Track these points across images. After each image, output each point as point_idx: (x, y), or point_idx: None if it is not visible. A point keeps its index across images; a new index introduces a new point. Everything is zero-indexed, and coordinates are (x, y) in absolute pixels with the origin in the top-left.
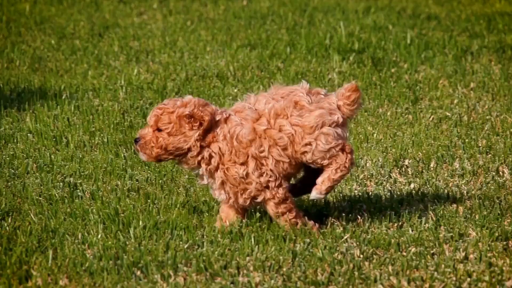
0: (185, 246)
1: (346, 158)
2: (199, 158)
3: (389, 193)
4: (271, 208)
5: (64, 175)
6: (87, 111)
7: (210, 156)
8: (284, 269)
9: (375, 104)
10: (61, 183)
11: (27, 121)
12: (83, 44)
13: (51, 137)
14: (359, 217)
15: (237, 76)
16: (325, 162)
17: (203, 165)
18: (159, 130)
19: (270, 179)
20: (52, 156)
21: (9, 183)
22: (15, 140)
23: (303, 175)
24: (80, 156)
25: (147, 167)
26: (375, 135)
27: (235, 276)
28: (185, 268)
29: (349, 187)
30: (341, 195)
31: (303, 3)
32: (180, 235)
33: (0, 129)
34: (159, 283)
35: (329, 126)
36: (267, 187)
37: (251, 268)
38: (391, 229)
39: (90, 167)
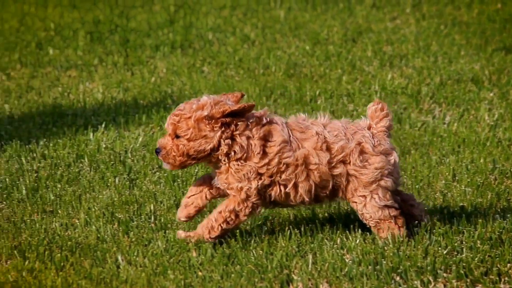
0: (444, 252)
1: (398, 229)
2: (228, 153)
3: None
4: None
5: None
6: (343, 116)
7: (240, 149)
8: None
9: None
10: None
11: None
12: (337, 49)
13: None
14: None
15: (492, 80)
16: (372, 224)
17: (226, 160)
18: (178, 137)
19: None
20: None
21: None
22: None
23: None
24: None
25: None
26: None
27: (496, 283)
28: (444, 275)
29: None
30: None
31: None
32: (438, 240)
33: None
34: None
35: (388, 175)
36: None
37: None
38: None
39: None
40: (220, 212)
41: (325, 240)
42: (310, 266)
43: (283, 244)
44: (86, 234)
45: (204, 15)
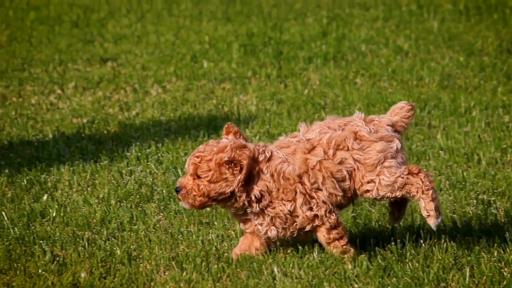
0: None
1: (419, 180)
2: (246, 199)
3: None
4: (322, 234)
5: (477, 192)
6: (498, 127)
7: (260, 195)
8: None
9: None
10: (474, 200)
11: (438, 138)
12: (492, 60)
13: (463, 154)
14: None
15: None
16: (398, 194)
17: (254, 204)
18: (198, 177)
19: (320, 210)
20: (464, 173)
21: None
22: (427, 157)
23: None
24: (493, 173)
25: None
26: None
27: None
28: None
29: None
30: None
31: None
32: None
33: (412, 146)
34: None
35: (391, 158)
36: (316, 216)
37: None
38: None
39: (503, 185)
40: (328, 244)
41: (482, 253)
42: (467, 279)
43: (440, 257)
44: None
45: (357, 27)
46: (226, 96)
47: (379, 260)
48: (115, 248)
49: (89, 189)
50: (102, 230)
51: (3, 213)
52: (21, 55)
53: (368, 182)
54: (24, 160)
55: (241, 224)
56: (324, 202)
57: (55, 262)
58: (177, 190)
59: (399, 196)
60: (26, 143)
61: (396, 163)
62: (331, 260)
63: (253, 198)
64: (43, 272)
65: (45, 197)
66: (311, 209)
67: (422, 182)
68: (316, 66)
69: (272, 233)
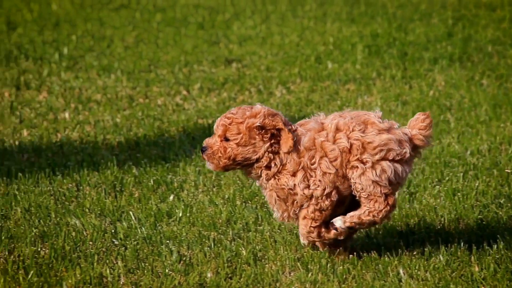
0: None
1: (383, 208)
2: (265, 168)
3: None
4: (306, 210)
5: None
6: None
7: (275, 164)
8: None
9: None
10: None
11: None
12: None
13: None
14: None
15: None
16: (364, 195)
17: (263, 173)
18: (226, 139)
19: (318, 188)
20: None
21: None
22: None
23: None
24: None
25: None
26: None
27: None
28: None
29: None
30: None
31: None
32: None
33: None
34: None
35: (393, 159)
36: (312, 196)
37: None
38: None
39: None
40: (303, 218)
41: None
42: None
43: None
44: (368, 247)
45: (483, 28)
46: (350, 97)
47: (507, 263)
48: (241, 249)
49: (214, 189)
50: (227, 231)
51: (130, 213)
52: (148, 57)
53: (363, 162)
54: (150, 160)
55: None
56: (320, 181)
57: (182, 262)
58: (203, 150)
59: (360, 198)
60: (152, 144)
61: (392, 170)
62: (457, 263)
63: (269, 167)
64: (170, 272)
65: (171, 198)
66: (308, 186)
67: (380, 210)
68: (441, 67)
69: (276, 214)
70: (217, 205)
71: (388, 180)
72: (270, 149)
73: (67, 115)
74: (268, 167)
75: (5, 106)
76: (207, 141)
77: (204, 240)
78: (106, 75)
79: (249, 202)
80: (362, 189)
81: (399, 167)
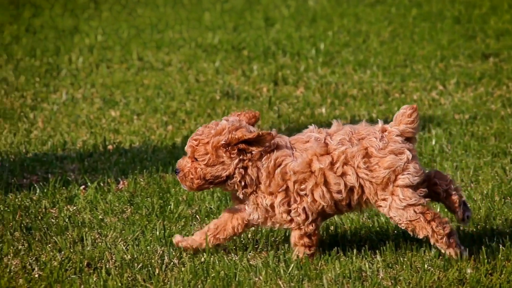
0: None
1: (431, 228)
2: (240, 183)
3: None
4: (294, 235)
5: None
6: None
7: (250, 180)
8: None
9: None
10: None
11: None
12: None
13: None
14: None
15: None
16: (404, 225)
17: (239, 189)
18: (196, 160)
19: (299, 217)
20: None
21: None
22: None
23: None
24: None
25: None
26: None
27: None
28: None
29: None
30: None
31: None
32: None
33: None
34: None
35: (402, 170)
36: (292, 221)
37: None
38: None
39: None
40: (295, 245)
41: None
42: None
43: None
44: None
45: None
46: None
47: None
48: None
49: (472, 185)
50: (486, 227)
51: None
52: (404, 52)
53: (383, 200)
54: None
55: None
56: (304, 209)
57: (440, 258)
58: (176, 172)
59: (404, 227)
60: None
61: (411, 182)
62: None
63: (243, 183)
64: (429, 267)
65: None
66: (289, 211)
67: (433, 231)
68: None
69: (255, 216)
70: (475, 201)
71: (411, 192)
72: (240, 165)
73: (323, 110)
74: (244, 184)
75: (263, 101)
76: (179, 163)
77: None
78: (361, 70)
79: (508, 198)
80: (400, 219)
81: (412, 166)
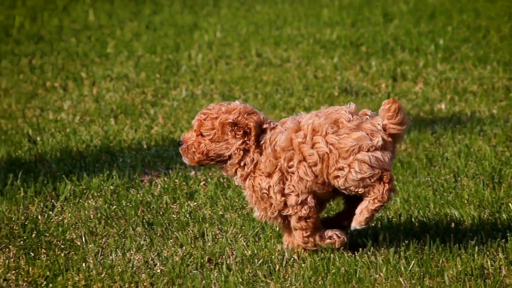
0: None
1: (383, 189)
2: (238, 165)
3: None
4: (292, 219)
5: None
6: None
7: (247, 163)
8: None
9: None
10: None
11: None
12: None
13: None
14: None
15: None
16: (360, 190)
17: (238, 172)
18: (202, 135)
19: (292, 194)
20: None
21: None
22: None
23: (343, 209)
24: None
25: None
26: None
27: None
28: None
29: None
30: None
31: None
32: None
33: None
34: None
35: (367, 151)
36: (286, 205)
37: None
38: None
39: None
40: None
41: None
42: None
43: None
44: None
45: None
46: None
47: None
48: None
49: None
50: None
51: (510, 204)
52: None
53: (339, 169)
54: None
55: None
56: (294, 186)
57: None
58: (179, 144)
59: (360, 193)
60: None
61: (371, 159)
62: None
63: (242, 163)
64: None
65: None
66: (282, 191)
67: (382, 192)
68: None
69: (255, 213)
70: None
71: (371, 167)
72: (241, 147)
73: (443, 106)
74: (242, 165)
75: (382, 98)
76: (183, 136)
77: None
78: (482, 66)
79: None
80: (356, 189)
81: (377, 153)
